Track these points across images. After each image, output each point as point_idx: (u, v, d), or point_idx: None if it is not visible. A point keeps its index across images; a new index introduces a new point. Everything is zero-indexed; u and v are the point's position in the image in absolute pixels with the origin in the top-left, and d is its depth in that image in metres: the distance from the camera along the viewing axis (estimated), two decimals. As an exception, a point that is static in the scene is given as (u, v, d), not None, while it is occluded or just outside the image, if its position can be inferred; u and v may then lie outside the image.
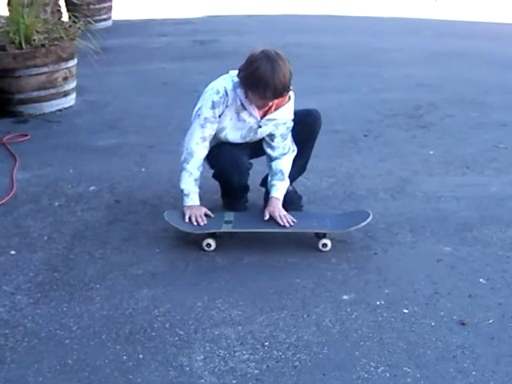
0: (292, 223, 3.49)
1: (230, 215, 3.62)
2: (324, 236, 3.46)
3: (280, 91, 3.29)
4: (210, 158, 3.64)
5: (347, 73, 7.54)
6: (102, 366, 2.60)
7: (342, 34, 10.17)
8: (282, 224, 3.48)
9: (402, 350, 2.68)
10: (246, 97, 3.39)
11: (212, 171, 3.74)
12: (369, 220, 3.45)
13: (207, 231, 3.46)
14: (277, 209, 3.54)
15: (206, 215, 3.53)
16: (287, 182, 3.64)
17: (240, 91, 3.40)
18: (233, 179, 3.70)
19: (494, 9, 13.06)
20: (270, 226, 3.50)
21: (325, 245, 3.44)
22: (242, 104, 3.44)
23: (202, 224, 3.48)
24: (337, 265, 3.33)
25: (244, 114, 3.48)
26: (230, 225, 3.51)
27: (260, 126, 3.52)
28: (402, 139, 5.21)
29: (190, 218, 3.50)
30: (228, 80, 3.46)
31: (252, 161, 3.79)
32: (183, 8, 13.22)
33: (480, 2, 13.76)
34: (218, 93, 3.43)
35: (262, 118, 3.50)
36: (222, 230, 3.48)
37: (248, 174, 3.75)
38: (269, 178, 3.67)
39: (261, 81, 3.24)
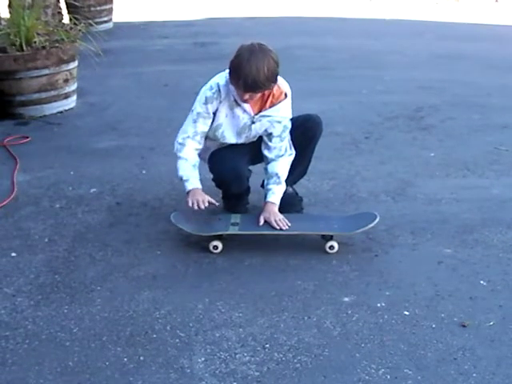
0: (287, 227, 3.48)
1: (236, 217, 3.61)
2: (331, 238, 3.46)
3: (250, 84, 3.22)
4: (211, 164, 3.64)
5: (348, 75, 7.54)
6: (102, 368, 2.60)
7: (344, 37, 10.17)
8: (277, 228, 3.47)
9: (403, 352, 2.68)
10: None
11: (212, 174, 3.74)
12: (376, 222, 3.45)
13: (214, 233, 3.45)
14: (272, 214, 3.52)
15: (209, 203, 3.48)
16: (283, 186, 3.61)
17: (232, 87, 3.38)
18: (232, 188, 3.72)
19: (496, 11, 13.07)
20: (277, 229, 3.49)
21: (332, 247, 3.43)
22: (235, 100, 3.43)
23: (202, 207, 3.43)
24: (338, 267, 3.32)
25: (238, 110, 3.47)
26: (236, 227, 3.50)
27: (254, 122, 3.50)
28: (402, 141, 5.21)
29: (193, 204, 3.44)
30: (222, 76, 3.46)
31: (253, 162, 3.80)
32: (184, 10, 13.24)
33: (481, 5, 13.77)
34: (211, 89, 3.44)
35: (256, 115, 3.49)
36: (228, 232, 3.47)
37: (247, 181, 3.75)
38: (265, 181, 3.65)
39: (235, 70, 3.22)
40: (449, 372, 2.56)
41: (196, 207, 3.45)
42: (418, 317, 2.91)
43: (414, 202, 4.07)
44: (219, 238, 3.46)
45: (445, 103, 6.25)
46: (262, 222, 3.51)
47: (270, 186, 3.59)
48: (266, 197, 3.60)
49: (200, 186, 3.52)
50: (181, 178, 3.54)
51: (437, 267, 3.33)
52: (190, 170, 3.51)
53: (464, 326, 2.83)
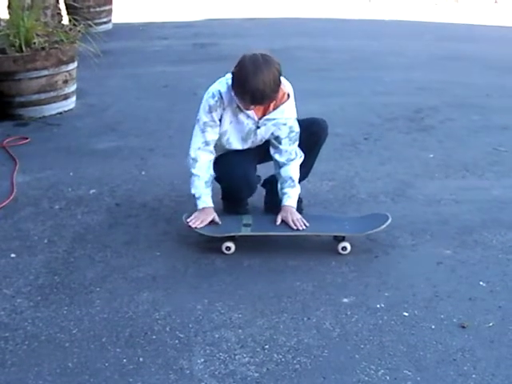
0: (304, 227, 3.48)
1: (248, 218, 3.60)
2: (343, 239, 3.45)
3: (258, 98, 3.23)
4: (218, 172, 3.60)
5: (348, 76, 7.55)
6: (102, 369, 2.60)
7: (344, 38, 10.18)
8: (294, 228, 3.47)
9: (402, 353, 2.68)
10: None
11: (220, 180, 3.74)
12: (388, 223, 3.45)
13: (227, 235, 3.45)
14: (289, 214, 3.52)
15: (213, 222, 3.50)
16: (298, 188, 3.61)
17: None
18: (242, 196, 3.73)
19: (495, 12, 13.07)
20: (289, 229, 3.48)
21: (344, 248, 3.43)
22: (238, 106, 3.41)
23: (192, 226, 3.46)
24: (337, 268, 3.32)
25: (241, 116, 3.46)
26: (249, 228, 3.50)
27: (258, 127, 3.50)
28: (402, 143, 5.21)
29: (191, 220, 3.47)
30: (223, 83, 3.44)
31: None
32: (183, 11, 13.24)
33: (480, 5, 13.78)
34: (213, 97, 3.42)
35: (260, 119, 3.48)
36: (241, 234, 3.47)
37: (256, 187, 3.75)
38: (279, 185, 3.62)
39: (241, 84, 3.21)
40: (448, 373, 2.56)
41: (193, 225, 3.46)
42: (417, 318, 2.91)
43: (414, 203, 4.07)
44: (232, 239, 3.46)
45: (444, 104, 6.25)
46: (279, 221, 3.51)
47: (285, 190, 3.58)
48: (282, 201, 3.59)
49: (211, 205, 3.54)
50: (193, 196, 3.55)
51: (436, 268, 3.33)
52: (202, 186, 3.51)
53: (463, 327, 2.83)
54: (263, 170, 3.82)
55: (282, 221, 3.52)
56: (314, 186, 4.25)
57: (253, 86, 3.16)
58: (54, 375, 2.57)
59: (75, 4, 10.01)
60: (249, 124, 3.48)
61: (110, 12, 11.29)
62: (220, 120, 3.46)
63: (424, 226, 3.75)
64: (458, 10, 13.42)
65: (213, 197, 3.58)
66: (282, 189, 3.61)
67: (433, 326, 2.85)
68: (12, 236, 3.70)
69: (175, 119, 5.79)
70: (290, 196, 3.58)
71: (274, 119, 3.48)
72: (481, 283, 3.18)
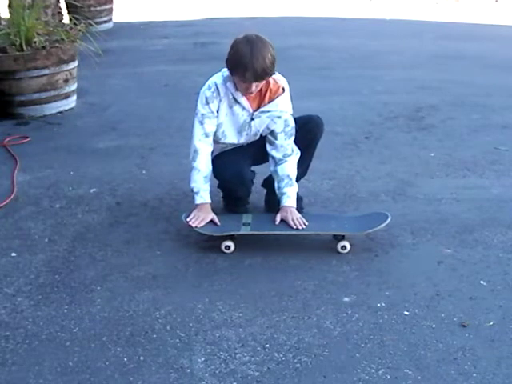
0: (304, 226, 3.48)
1: (248, 217, 3.60)
2: (342, 238, 3.45)
3: (260, 74, 3.25)
4: (214, 170, 3.62)
5: (348, 75, 7.54)
6: (102, 368, 2.60)
7: (344, 37, 10.17)
8: (294, 227, 3.47)
9: (403, 352, 2.68)
10: (237, 89, 3.40)
11: (216, 179, 3.74)
12: (387, 222, 3.45)
13: (226, 234, 3.45)
14: (289, 213, 3.53)
15: (212, 221, 3.51)
16: (296, 186, 3.61)
17: (230, 84, 3.41)
18: (237, 192, 3.74)
19: (496, 11, 13.07)
20: (289, 229, 3.48)
21: (344, 247, 3.43)
22: (233, 98, 3.44)
23: (193, 225, 3.47)
24: (338, 267, 3.32)
25: (236, 108, 3.47)
26: (248, 227, 3.50)
27: (253, 119, 3.50)
28: (402, 141, 5.21)
29: (191, 219, 3.48)
30: (218, 75, 3.49)
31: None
32: (184, 10, 13.24)
33: (481, 5, 13.78)
34: (209, 88, 3.46)
35: (255, 111, 3.49)
36: (240, 233, 3.47)
37: (252, 183, 3.75)
38: (276, 184, 3.63)
39: (240, 63, 3.25)
40: (449, 372, 2.56)
41: (193, 224, 3.47)
42: (417, 317, 2.91)
43: (414, 201, 4.07)
44: (231, 238, 3.46)
45: (445, 103, 6.25)
46: (278, 220, 3.51)
47: (284, 190, 3.58)
48: (281, 201, 3.59)
49: (209, 201, 3.54)
50: (192, 190, 3.55)
51: (437, 267, 3.33)
52: (201, 182, 3.51)
53: (464, 326, 2.83)
54: (264, 170, 3.82)
55: (282, 220, 3.52)
56: (315, 185, 4.25)
57: (254, 63, 3.20)
58: (54, 374, 2.57)
59: (76, 3, 9.97)
60: (243, 116, 3.50)
61: (110, 11, 11.29)
62: (217, 111, 3.48)
63: (424, 225, 3.74)
64: (459, 9, 13.41)
65: (213, 195, 3.59)
66: (279, 188, 3.61)
67: (433, 325, 2.85)
68: (12, 235, 3.71)
69: (176, 118, 5.79)
70: (289, 196, 3.58)
71: (268, 111, 3.50)
72: (481, 282, 3.18)
